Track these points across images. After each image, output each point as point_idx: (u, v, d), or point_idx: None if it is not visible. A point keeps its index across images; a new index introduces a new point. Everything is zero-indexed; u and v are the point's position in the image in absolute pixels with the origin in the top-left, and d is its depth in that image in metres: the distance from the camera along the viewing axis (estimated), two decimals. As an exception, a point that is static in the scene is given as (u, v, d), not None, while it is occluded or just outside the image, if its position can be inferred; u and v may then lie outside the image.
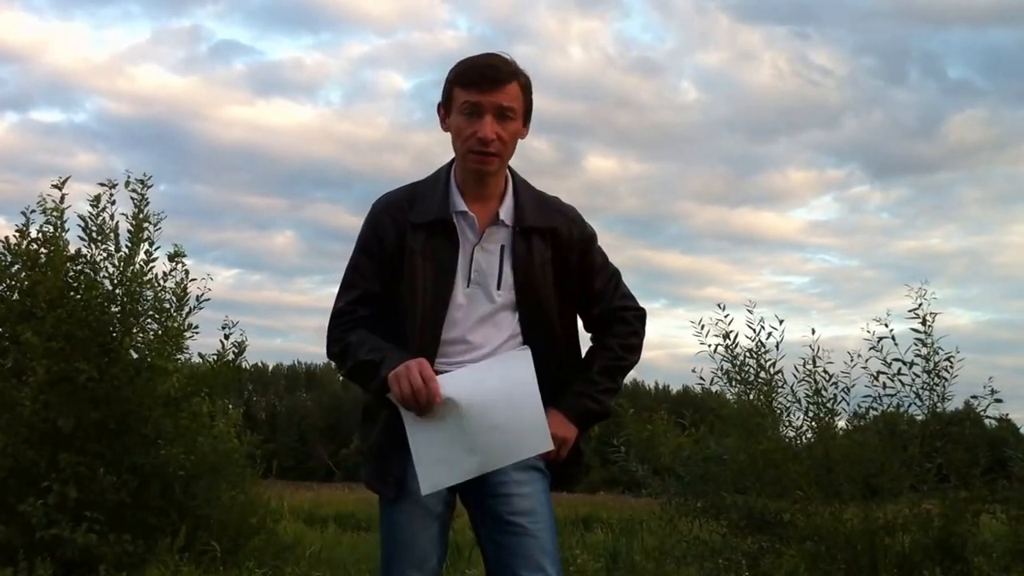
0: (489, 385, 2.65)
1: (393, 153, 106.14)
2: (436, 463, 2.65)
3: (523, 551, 2.71)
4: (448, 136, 2.81)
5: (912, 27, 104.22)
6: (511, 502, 2.73)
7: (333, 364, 2.93)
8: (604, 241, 3.01)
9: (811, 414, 7.77)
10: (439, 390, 2.59)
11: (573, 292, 2.89)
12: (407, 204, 2.82)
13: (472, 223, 2.79)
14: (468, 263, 2.78)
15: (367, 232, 2.86)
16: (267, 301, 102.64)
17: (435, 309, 2.75)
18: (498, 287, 2.79)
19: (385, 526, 2.81)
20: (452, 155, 2.84)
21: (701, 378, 8.18)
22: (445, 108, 2.82)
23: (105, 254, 7.53)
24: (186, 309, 7.73)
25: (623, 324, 2.97)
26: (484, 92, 2.71)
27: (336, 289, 2.91)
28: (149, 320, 7.63)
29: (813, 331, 7.82)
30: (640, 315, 3.01)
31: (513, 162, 2.85)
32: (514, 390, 2.66)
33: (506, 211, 2.81)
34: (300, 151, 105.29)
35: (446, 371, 2.70)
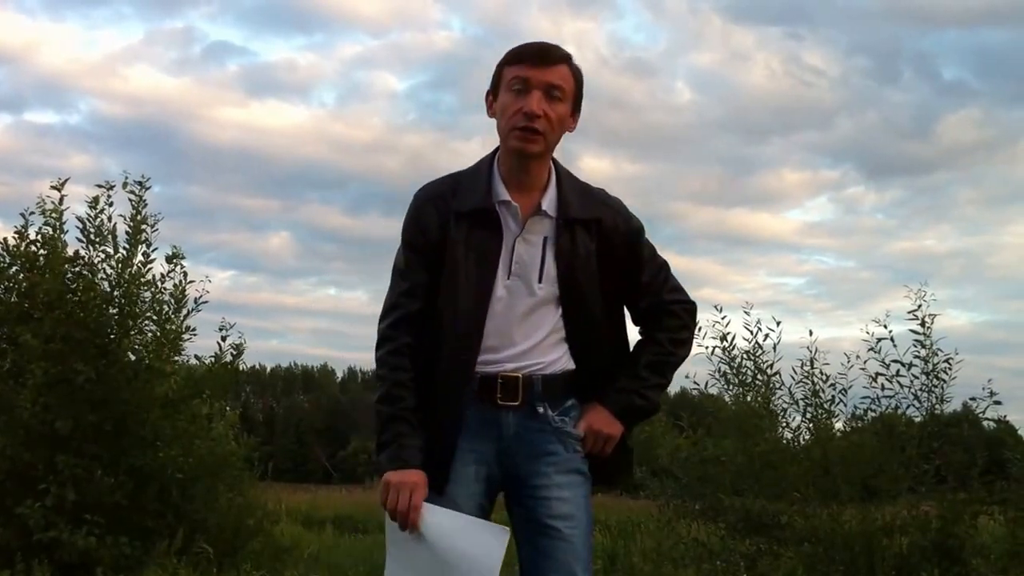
0: (458, 545, 2.61)
1: (387, 154, 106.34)
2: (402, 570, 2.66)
3: (557, 555, 2.67)
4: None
5: (904, 28, 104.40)
6: (550, 505, 2.69)
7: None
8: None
9: (809, 415, 7.78)
10: (418, 523, 2.59)
11: (620, 286, 2.82)
12: (449, 193, 2.78)
13: (515, 213, 2.73)
14: (509, 254, 2.72)
15: (410, 224, 2.81)
16: (263, 302, 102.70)
17: (476, 300, 2.70)
18: (539, 280, 2.72)
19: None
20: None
21: (696, 383, 8.19)
22: (493, 93, 2.79)
23: (103, 256, 7.53)
24: (184, 311, 7.73)
25: (672, 317, 2.89)
26: (534, 67, 2.69)
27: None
28: (147, 322, 7.62)
29: (811, 332, 7.84)
30: (690, 308, 2.94)
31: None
32: (474, 565, 2.60)
33: (549, 202, 2.75)
34: (294, 152, 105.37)
35: (486, 372, 2.69)
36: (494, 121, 2.80)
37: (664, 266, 2.92)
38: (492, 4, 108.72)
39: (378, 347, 2.79)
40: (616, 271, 2.80)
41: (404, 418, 2.69)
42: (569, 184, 2.81)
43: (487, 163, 2.81)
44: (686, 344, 2.94)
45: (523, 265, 2.73)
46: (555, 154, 2.81)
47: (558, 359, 2.76)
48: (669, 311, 2.89)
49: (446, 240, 2.73)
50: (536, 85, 2.68)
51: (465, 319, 2.69)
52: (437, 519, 2.62)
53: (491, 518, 2.77)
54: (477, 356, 2.68)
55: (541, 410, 2.72)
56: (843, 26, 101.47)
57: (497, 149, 2.82)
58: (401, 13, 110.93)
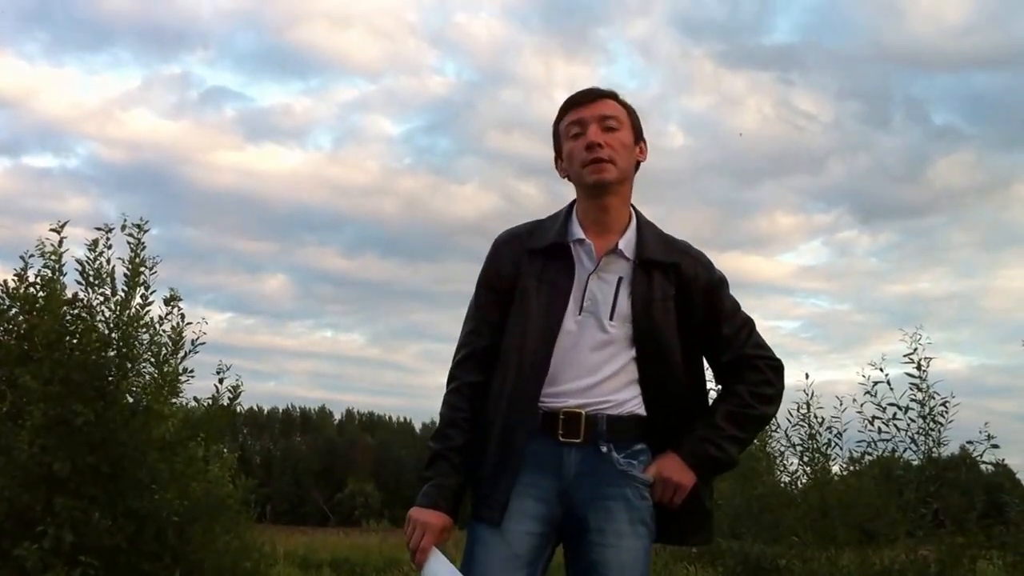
0: None
1: (383, 197, 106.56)
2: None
3: None
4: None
5: (895, 72, 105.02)
6: (605, 552, 2.63)
7: None
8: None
9: (806, 459, 7.78)
10: (423, 563, 2.62)
11: (698, 336, 2.78)
12: (526, 235, 2.83)
13: (589, 250, 2.75)
14: (582, 290, 2.72)
15: (487, 264, 2.85)
16: (261, 345, 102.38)
17: (544, 333, 2.69)
18: (611, 317, 2.70)
19: (466, 558, 2.70)
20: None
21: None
22: (558, 153, 2.87)
23: (102, 298, 7.54)
24: (181, 353, 7.73)
25: (755, 372, 2.82)
26: (584, 107, 2.78)
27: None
28: (145, 364, 7.63)
29: (807, 376, 7.86)
30: (775, 366, 2.86)
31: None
32: None
33: (627, 243, 2.76)
34: (290, 195, 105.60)
35: (550, 406, 2.68)
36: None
37: (748, 322, 2.88)
38: (486, 49, 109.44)
39: (446, 385, 2.82)
40: (695, 321, 2.77)
41: (447, 457, 2.70)
42: (649, 230, 2.83)
43: (567, 208, 2.86)
44: (770, 401, 2.86)
45: (595, 302, 2.72)
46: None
47: (628, 401, 2.71)
48: (753, 366, 2.83)
49: (519, 278, 2.75)
50: (590, 120, 2.76)
51: (532, 352, 2.69)
52: (435, 568, 2.62)
53: (551, 558, 2.72)
54: (541, 389, 2.68)
55: (605, 449, 2.67)
56: (834, 71, 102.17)
57: (576, 200, 2.85)
58: (396, 58, 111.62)
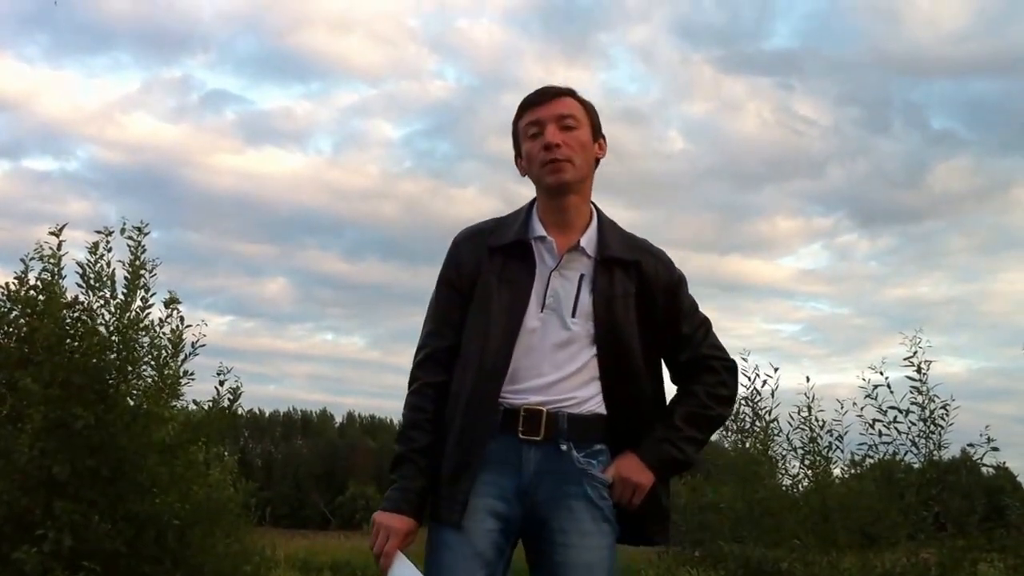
0: None
1: (383, 201, 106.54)
2: None
3: None
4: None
5: (894, 78, 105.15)
6: (569, 553, 2.62)
7: None
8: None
9: (807, 462, 7.77)
10: (387, 569, 2.61)
11: (658, 336, 2.78)
12: (488, 232, 2.81)
13: (551, 248, 2.75)
14: (544, 287, 2.72)
15: (447, 262, 2.84)
16: (261, 348, 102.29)
17: (506, 331, 2.68)
18: (572, 314, 2.70)
19: (429, 561, 2.69)
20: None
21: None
22: (517, 152, 2.85)
23: (102, 301, 7.54)
24: (182, 356, 7.73)
25: (711, 373, 2.83)
26: (541, 106, 2.76)
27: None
28: (145, 367, 7.62)
29: (808, 379, 7.85)
30: (730, 366, 2.88)
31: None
32: None
33: (588, 240, 2.76)
34: (291, 199, 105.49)
35: (511, 402, 2.67)
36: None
37: (706, 322, 2.88)
38: (486, 54, 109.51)
39: (408, 387, 2.81)
40: (655, 319, 2.77)
41: (412, 460, 2.70)
42: (610, 227, 2.82)
43: (527, 206, 2.85)
44: (726, 403, 2.87)
45: (557, 299, 2.71)
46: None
47: (589, 399, 2.70)
48: (708, 367, 2.84)
49: (480, 276, 2.74)
50: (547, 120, 2.73)
51: (493, 350, 2.67)
52: (400, 572, 2.61)
53: (511, 558, 2.70)
54: (502, 387, 2.66)
55: (564, 448, 2.65)
56: (833, 77, 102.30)
57: (536, 198, 2.84)
58: (397, 63, 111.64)
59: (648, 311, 2.75)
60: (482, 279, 2.73)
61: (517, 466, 2.65)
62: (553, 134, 2.72)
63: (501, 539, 2.66)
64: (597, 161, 2.84)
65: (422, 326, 2.85)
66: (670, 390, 2.88)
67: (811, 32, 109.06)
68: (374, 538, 2.64)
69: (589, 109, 2.83)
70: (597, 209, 2.84)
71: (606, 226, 2.81)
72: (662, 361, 2.85)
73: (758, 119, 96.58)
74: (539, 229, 2.76)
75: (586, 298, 2.71)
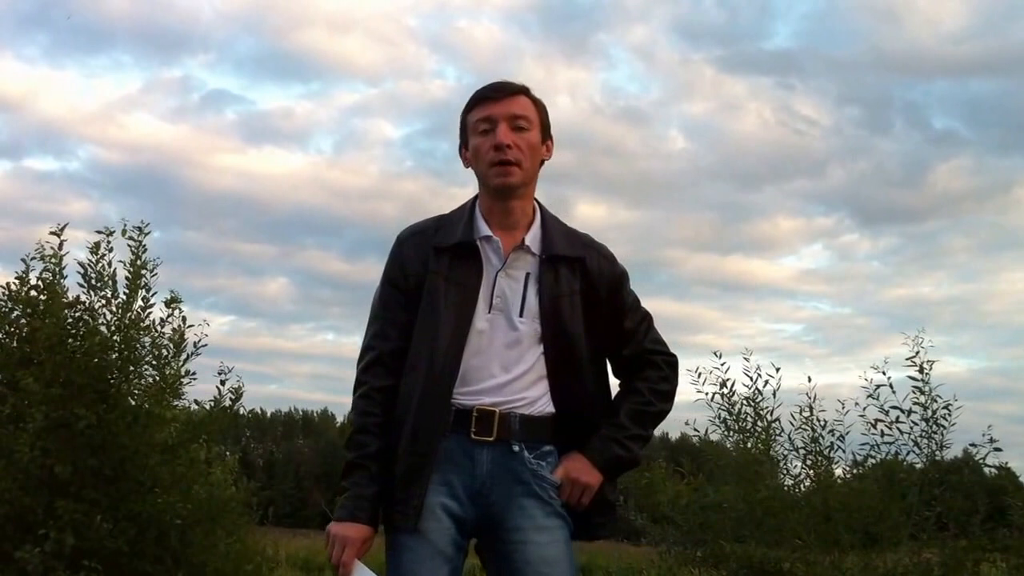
0: None
1: (383, 201, 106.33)
2: None
3: None
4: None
5: (894, 78, 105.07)
6: (527, 549, 2.63)
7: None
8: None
9: (809, 462, 7.77)
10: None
11: (602, 332, 2.79)
12: (432, 231, 2.79)
13: (496, 248, 2.74)
14: (491, 288, 2.71)
15: (391, 263, 2.82)
16: (261, 347, 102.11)
17: (455, 333, 2.67)
18: (520, 314, 2.70)
19: (391, 566, 2.69)
20: (473, 193, 2.82)
21: (696, 430, 8.19)
22: (464, 144, 2.82)
23: (103, 301, 7.54)
24: (183, 356, 7.73)
25: (653, 369, 2.86)
26: (494, 103, 2.73)
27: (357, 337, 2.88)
28: (146, 367, 7.62)
29: (809, 379, 7.84)
30: (671, 361, 2.91)
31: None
32: None
33: (533, 238, 2.76)
34: (291, 198, 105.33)
35: (463, 403, 2.67)
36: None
37: (647, 317, 2.91)
38: (486, 54, 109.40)
39: (353, 391, 2.79)
40: (599, 315, 2.78)
41: (363, 466, 2.69)
42: (554, 224, 2.82)
43: (470, 204, 2.83)
44: (667, 397, 2.89)
45: (504, 299, 2.71)
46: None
47: (539, 399, 2.71)
48: (650, 362, 2.87)
49: (426, 276, 2.72)
50: (500, 119, 2.70)
51: (443, 353, 2.66)
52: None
53: (465, 557, 2.71)
54: (452, 390, 2.65)
55: (516, 448, 2.67)
56: (833, 77, 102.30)
57: (478, 194, 2.82)
58: (397, 63, 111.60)
59: (592, 307, 2.77)
60: (429, 280, 2.72)
61: (470, 467, 2.67)
62: (505, 134, 2.70)
63: (457, 538, 2.67)
64: (542, 162, 2.83)
65: (367, 326, 2.83)
66: (614, 384, 2.91)
67: (811, 32, 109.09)
68: (330, 549, 2.64)
69: (541, 109, 2.81)
70: (540, 206, 2.84)
71: (549, 223, 2.81)
72: (606, 360, 2.87)
73: (758, 119, 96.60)
74: (484, 229, 2.75)
75: (533, 297, 2.72)
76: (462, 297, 2.70)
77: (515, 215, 2.77)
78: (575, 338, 2.74)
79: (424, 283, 2.73)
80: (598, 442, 2.75)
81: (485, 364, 2.69)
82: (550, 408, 2.73)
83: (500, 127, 2.70)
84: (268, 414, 73.62)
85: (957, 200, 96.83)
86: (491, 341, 2.70)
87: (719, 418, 8.03)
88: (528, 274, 2.74)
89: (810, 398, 7.73)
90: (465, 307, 2.70)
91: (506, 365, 2.70)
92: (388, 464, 2.68)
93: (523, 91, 2.78)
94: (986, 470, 7.66)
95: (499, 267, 2.73)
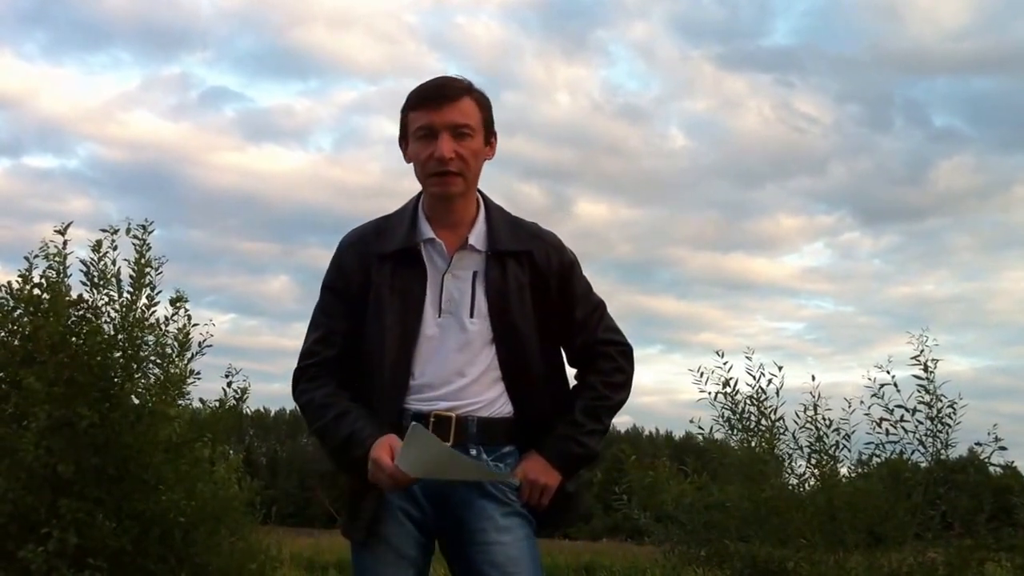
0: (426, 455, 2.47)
1: (384, 198, 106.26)
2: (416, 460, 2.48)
3: None
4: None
5: (895, 76, 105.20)
6: (491, 551, 2.61)
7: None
8: (598, 287, 2.90)
9: (813, 461, 7.75)
10: (402, 469, 2.47)
11: (554, 324, 2.76)
12: (372, 237, 2.75)
13: (440, 250, 2.70)
14: (438, 292, 2.68)
15: (332, 269, 2.78)
16: (264, 346, 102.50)
17: (404, 344, 2.64)
18: (471, 315, 2.67)
19: (356, 571, 2.70)
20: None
21: (700, 427, 8.18)
22: (404, 140, 2.76)
23: (107, 299, 7.54)
24: (188, 355, 7.72)
25: (607, 360, 2.83)
26: (435, 111, 2.65)
27: None
28: (151, 365, 7.62)
29: (813, 377, 7.82)
30: (625, 351, 2.87)
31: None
32: (439, 458, 2.46)
33: (477, 236, 2.72)
34: (292, 196, 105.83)
35: (419, 408, 2.63)
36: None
37: (600, 305, 2.86)
38: (486, 51, 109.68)
39: (293, 390, 2.75)
40: (550, 307, 2.74)
41: (344, 412, 2.63)
42: (499, 217, 2.77)
43: (412, 204, 2.78)
44: (621, 388, 2.85)
45: (453, 302, 2.68)
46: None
47: (495, 400, 2.69)
48: (603, 353, 2.83)
49: (369, 284, 2.68)
50: (441, 128, 2.63)
51: (391, 361, 2.64)
52: (410, 451, 2.46)
53: (429, 563, 2.71)
54: (405, 397, 2.63)
55: (475, 452, 2.64)
56: (834, 74, 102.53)
57: (422, 192, 2.78)
58: (397, 60, 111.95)
59: (543, 300, 2.73)
60: (374, 290, 2.69)
61: None
62: (447, 147, 2.63)
63: (422, 537, 2.67)
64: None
65: (307, 330, 2.77)
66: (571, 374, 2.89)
67: (811, 29, 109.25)
68: (375, 476, 2.52)
69: (484, 107, 2.75)
70: (484, 199, 2.80)
71: (495, 216, 2.77)
72: (561, 352, 2.85)
73: (759, 116, 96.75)
74: (427, 231, 2.72)
75: (482, 297, 2.68)
76: (406, 305, 2.67)
77: (458, 214, 2.73)
78: (525, 333, 2.70)
79: (368, 292, 2.69)
80: (554, 441, 2.74)
81: (438, 369, 2.66)
82: (507, 409, 2.71)
83: (442, 138, 2.64)
84: (272, 413, 73.64)
85: (959, 198, 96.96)
86: (442, 345, 2.67)
87: (723, 417, 8.02)
88: (475, 273, 2.70)
89: (814, 397, 7.71)
90: (410, 315, 2.66)
91: (460, 369, 2.67)
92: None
93: (466, 91, 2.71)
94: (991, 469, 7.64)
95: (444, 269, 2.70)
